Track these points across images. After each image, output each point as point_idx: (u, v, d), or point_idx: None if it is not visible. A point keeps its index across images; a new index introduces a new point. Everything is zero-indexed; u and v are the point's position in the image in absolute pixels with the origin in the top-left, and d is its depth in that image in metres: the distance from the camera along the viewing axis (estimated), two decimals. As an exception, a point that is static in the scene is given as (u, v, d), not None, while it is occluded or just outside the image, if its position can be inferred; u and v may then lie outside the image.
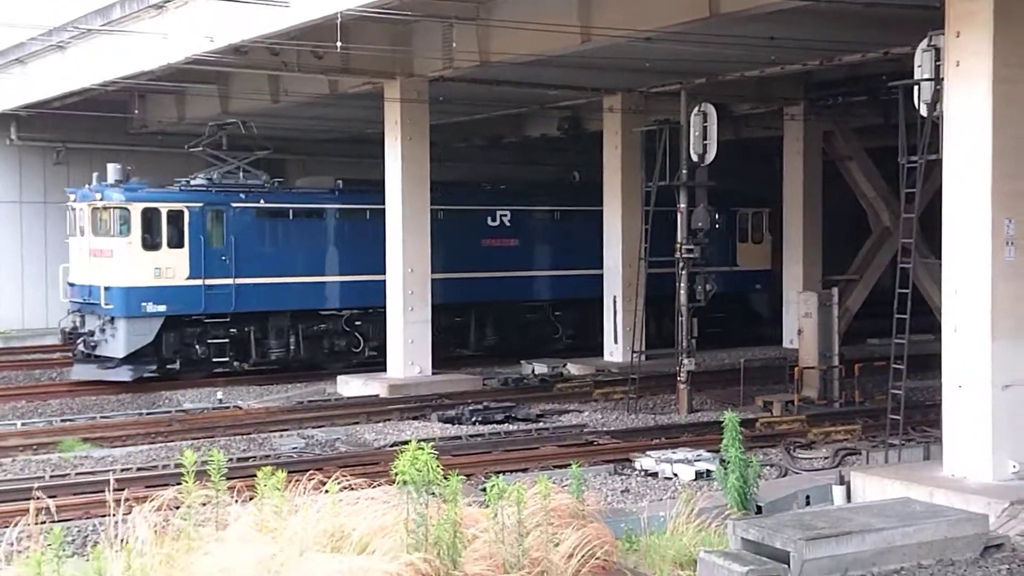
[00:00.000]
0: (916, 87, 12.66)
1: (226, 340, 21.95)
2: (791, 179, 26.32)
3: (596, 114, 24.99)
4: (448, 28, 17.80)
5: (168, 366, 21.66)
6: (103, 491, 10.33)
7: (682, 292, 18.31)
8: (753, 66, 20.65)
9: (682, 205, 18.41)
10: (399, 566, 7.62)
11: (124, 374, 20.79)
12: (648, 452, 14.03)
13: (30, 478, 13.21)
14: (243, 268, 21.98)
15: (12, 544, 8.46)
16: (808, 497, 11.90)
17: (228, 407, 19.14)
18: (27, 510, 8.87)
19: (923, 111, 12.58)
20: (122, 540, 8.15)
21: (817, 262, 26.15)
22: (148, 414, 18.45)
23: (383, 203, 23.04)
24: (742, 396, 18.63)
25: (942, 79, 11.87)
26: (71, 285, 22.10)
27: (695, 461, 13.36)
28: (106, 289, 20.82)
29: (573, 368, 23.07)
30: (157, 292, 21.03)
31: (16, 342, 26.57)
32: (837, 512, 10.31)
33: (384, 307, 22.73)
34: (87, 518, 10.89)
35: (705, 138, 18.02)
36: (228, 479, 8.95)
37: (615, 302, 23.73)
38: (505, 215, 25.29)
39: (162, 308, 21.08)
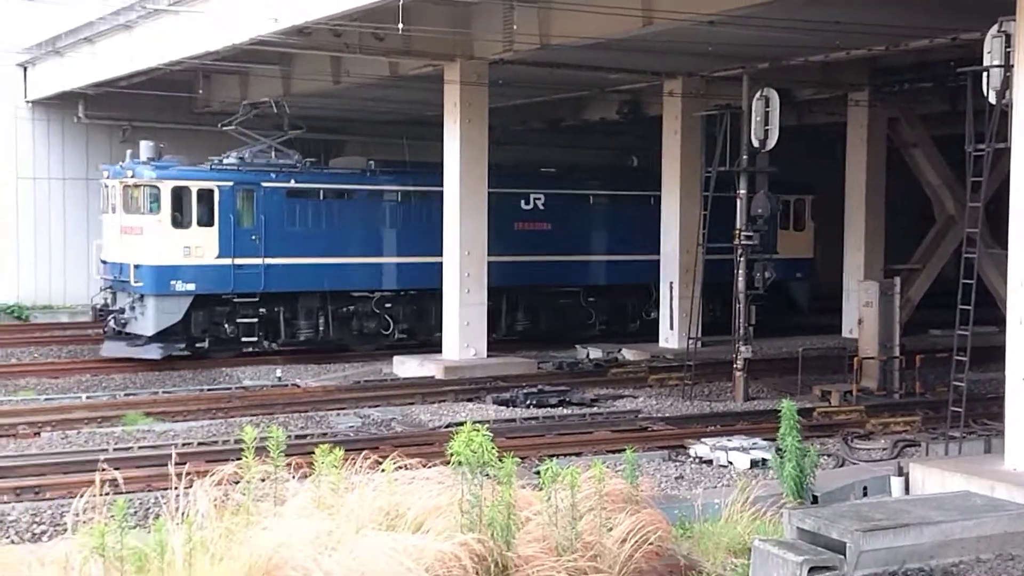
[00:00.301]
0: (985, 74, 12.40)
1: (255, 320, 21.99)
2: (854, 166, 25.94)
3: (656, 98, 24.80)
4: (509, 10, 17.77)
5: (197, 344, 21.73)
6: (165, 464, 10.54)
7: (740, 279, 18.17)
8: (817, 51, 20.34)
9: (742, 191, 18.24)
10: (453, 546, 7.68)
11: (153, 352, 20.92)
12: (703, 439, 13.97)
13: (94, 450, 13.49)
14: (273, 248, 21.94)
15: (78, 515, 8.68)
16: (865, 488, 11.77)
17: (287, 385, 19.38)
18: (92, 482, 9.06)
19: (991, 98, 12.32)
20: (183, 513, 8.32)
21: (879, 251, 25.77)
22: (209, 390, 18.73)
23: (416, 184, 23.65)
24: (799, 385, 18.45)
25: (1012, 66, 11.61)
26: (103, 262, 22.27)
27: (751, 449, 13.29)
28: (136, 267, 20.94)
29: (628, 353, 23.01)
30: (186, 271, 21.10)
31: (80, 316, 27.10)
32: (895, 504, 10.20)
33: (415, 289, 23.37)
34: (149, 491, 11.11)
35: (767, 124, 17.83)
36: (286, 455, 9.07)
37: (672, 288, 23.60)
38: (539, 199, 24.99)
39: (191, 287, 21.11)
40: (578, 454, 13.48)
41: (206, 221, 21.33)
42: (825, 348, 22.19)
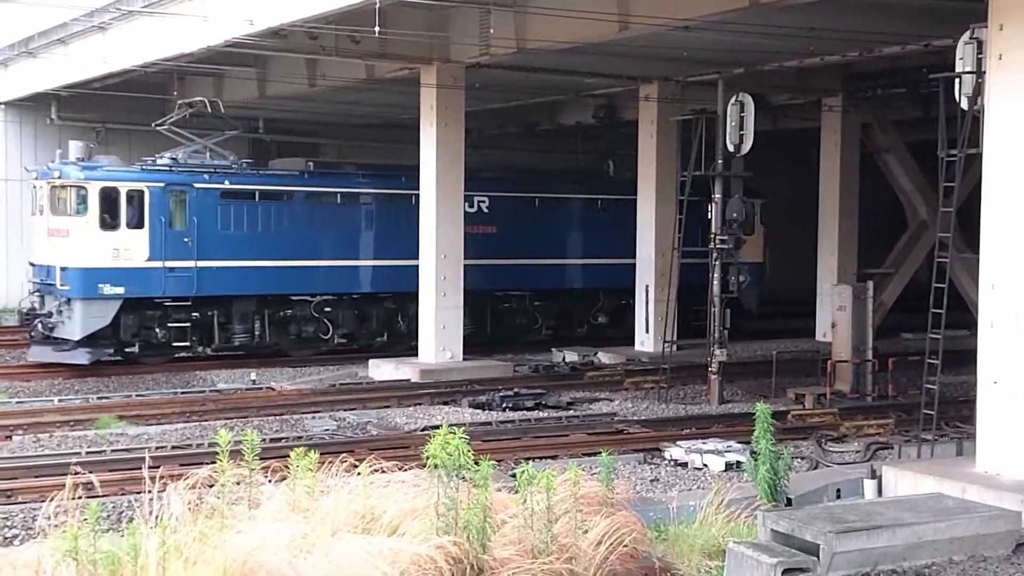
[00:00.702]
0: (957, 80, 12.51)
1: (187, 324, 21.45)
2: (828, 171, 26.11)
3: (632, 102, 24.90)
4: (486, 14, 17.79)
5: (127, 349, 21.18)
6: (138, 468, 10.46)
7: (715, 283, 18.26)
8: (792, 56, 20.51)
9: (717, 195, 18.34)
10: (429, 548, 7.67)
11: (81, 357, 20.36)
12: (678, 442, 14.02)
13: (67, 454, 13.40)
14: (206, 250, 21.41)
15: (49, 519, 8.60)
16: (839, 491, 11.85)
17: (261, 388, 19.31)
18: (64, 485, 8.98)
19: (964, 104, 12.44)
20: (157, 517, 8.26)
21: (853, 255, 25.95)
22: (183, 393, 18.65)
23: (359, 186, 23.46)
24: (774, 388, 18.55)
25: (984, 72, 11.73)
26: (32, 265, 21.78)
27: (725, 452, 13.34)
28: (62, 270, 20.38)
29: (604, 357, 23.05)
30: (115, 274, 20.50)
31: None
32: (868, 506, 10.27)
33: (357, 294, 23.19)
34: (122, 494, 11.05)
35: (742, 128, 17.94)
36: (261, 459, 9.03)
37: (647, 291, 23.67)
38: (484, 201, 24.56)
39: (120, 290, 20.53)
40: (554, 457, 13.50)
41: (136, 223, 20.77)
42: (799, 351, 22.34)
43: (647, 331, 23.67)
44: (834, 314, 18.75)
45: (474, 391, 18.76)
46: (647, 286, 23.71)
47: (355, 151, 29.64)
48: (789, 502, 10.99)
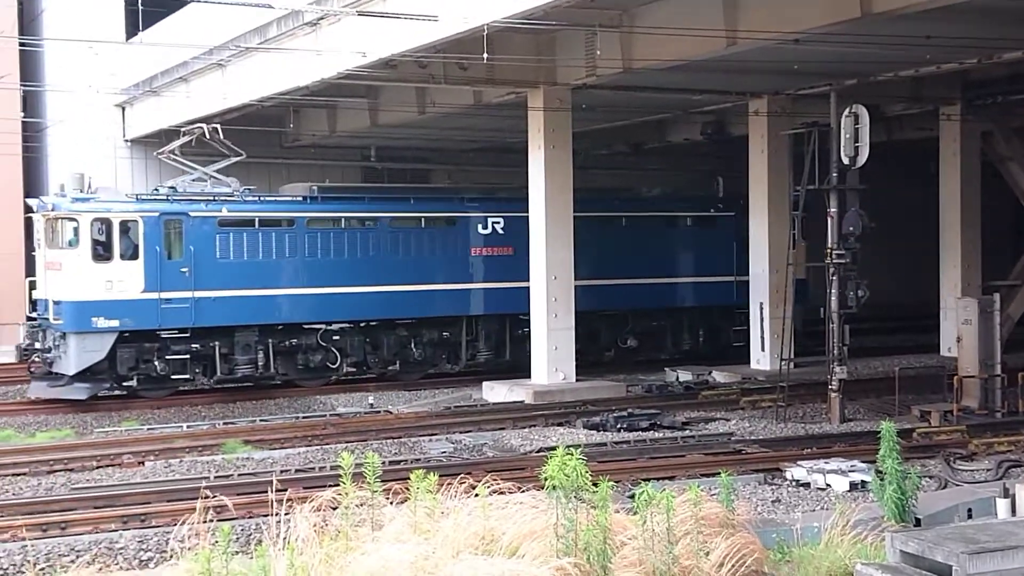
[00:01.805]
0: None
1: (187, 356, 20.89)
2: (948, 181, 25.37)
3: (741, 118, 24.63)
4: (591, 36, 17.84)
5: (125, 383, 20.76)
6: (265, 491, 10.75)
7: (833, 298, 17.87)
8: (907, 66, 19.99)
9: (832, 210, 17.97)
10: (550, 571, 7.68)
11: (79, 392, 20.00)
12: (799, 462, 13.74)
13: (196, 478, 13.78)
14: (204, 280, 20.82)
15: (181, 541, 8.89)
16: (970, 510, 11.43)
17: (379, 411, 19.60)
18: (194, 509, 9.27)
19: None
20: (284, 539, 8.46)
21: (976, 267, 25.11)
22: (304, 418, 19.04)
23: (363, 211, 22.69)
24: (897, 405, 18.05)
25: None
26: (32, 300, 21.57)
27: (849, 472, 13.02)
28: (56, 303, 20.13)
29: (719, 376, 22.77)
30: (109, 306, 20.01)
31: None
32: (1002, 526, 9.87)
33: (365, 321, 22.54)
34: (250, 517, 11.29)
35: (856, 140, 17.56)
36: (382, 481, 9.17)
37: (762, 309, 23.31)
38: (498, 222, 23.67)
39: (114, 323, 20.02)
40: (671, 478, 13.36)
41: (131, 254, 20.32)
42: (923, 367, 21.69)
43: (762, 349, 23.30)
44: (959, 328, 18.16)
45: (588, 412, 18.71)
46: (761, 303, 23.35)
47: (464, 176, 29.95)
48: (918, 522, 10.66)
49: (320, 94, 21.77)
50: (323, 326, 22.17)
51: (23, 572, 9.77)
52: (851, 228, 17.85)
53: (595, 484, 8.41)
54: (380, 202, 23.11)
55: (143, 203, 20.92)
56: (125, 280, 20.23)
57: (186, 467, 15.05)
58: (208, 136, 22.30)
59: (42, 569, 9.32)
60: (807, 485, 13.10)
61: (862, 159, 17.63)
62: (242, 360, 21.52)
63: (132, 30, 27.09)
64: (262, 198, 22.74)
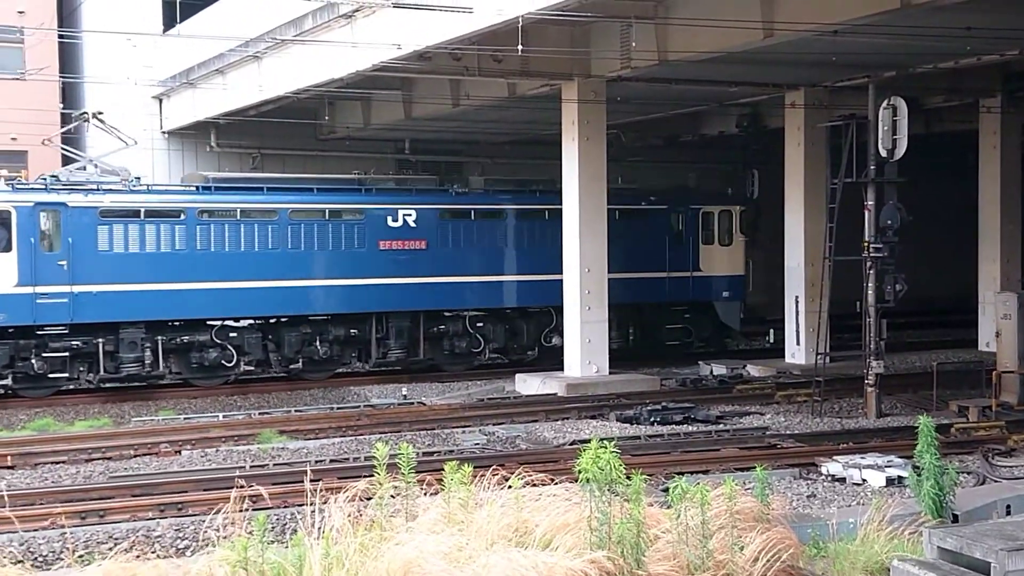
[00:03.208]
0: None
1: (66, 354, 19.84)
2: (987, 174, 25.08)
3: (777, 110, 24.46)
4: (627, 28, 17.76)
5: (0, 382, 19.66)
6: (300, 481, 10.81)
7: (870, 292, 17.72)
8: (946, 57, 19.79)
9: (870, 203, 17.81)
10: (583, 563, 7.66)
11: None
12: (835, 457, 13.63)
13: (232, 467, 13.91)
14: (83, 274, 19.69)
15: (217, 530, 8.96)
16: (1009, 506, 11.28)
17: (412, 403, 19.67)
18: (229, 498, 9.34)
19: None
20: (319, 528, 8.50)
21: (1016, 261, 24.82)
22: (338, 408, 19.15)
23: (260, 202, 21.63)
24: (935, 400, 17.87)
25: None
26: None
27: (886, 467, 12.90)
28: None
29: (753, 370, 22.65)
30: None
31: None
32: (1041, 523, 9.74)
33: (263, 318, 21.66)
34: (285, 507, 11.37)
35: (895, 133, 17.38)
36: (416, 472, 9.19)
37: (797, 303, 23.15)
38: (409, 215, 22.73)
39: None
40: (705, 472, 13.30)
41: (3, 246, 19.28)
42: (960, 362, 21.45)
43: (797, 343, 23.15)
44: (998, 323, 17.92)
45: (621, 405, 18.69)
46: (796, 297, 23.19)
47: (498, 168, 29.91)
48: (955, 518, 10.54)
49: (355, 86, 21.84)
50: (218, 323, 21.21)
51: (62, 559, 9.89)
52: (889, 222, 17.68)
53: (628, 477, 8.38)
54: (279, 193, 22.09)
55: (17, 192, 19.75)
56: None
57: (222, 456, 15.17)
58: (88, 123, 21.52)
59: (81, 556, 9.43)
60: (843, 480, 13.00)
61: (900, 152, 17.44)
62: (128, 358, 20.40)
63: (169, 22, 27.34)
64: (151, 188, 21.81)
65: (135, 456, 15.16)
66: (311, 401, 20.46)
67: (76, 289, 19.66)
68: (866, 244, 17.75)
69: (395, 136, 29.37)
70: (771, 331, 26.23)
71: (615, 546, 7.98)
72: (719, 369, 22.83)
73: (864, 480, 12.80)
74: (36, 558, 10.15)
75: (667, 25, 17.60)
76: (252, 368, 21.81)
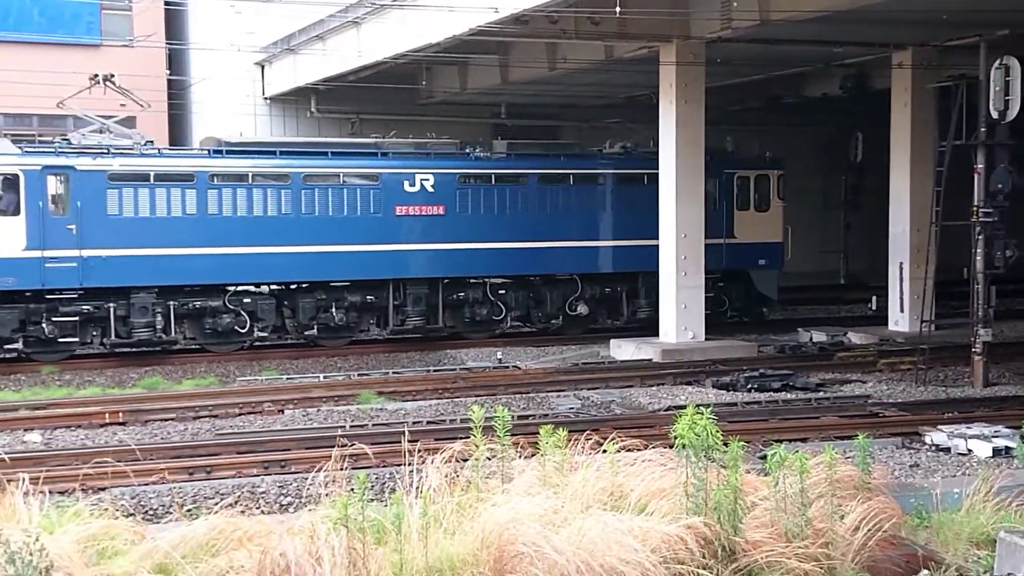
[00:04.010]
0: None
1: (76, 318, 19.63)
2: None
3: (883, 70, 23.71)
4: (728, -13, 17.42)
5: (6, 346, 19.59)
6: (398, 441, 10.96)
7: (979, 258, 17.18)
8: (1064, 13, 18.89)
9: (980, 166, 17.22)
10: (679, 528, 7.62)
11: None
12: (939, 426, 13.32)
13: (333, 427, 14.17)
14: (92, 238, 19.39)
15: (319, 487, 9.16)
16: (1123, 481, 10.89)
17: (507, 367, 19.77)
18: (330, 456, 9.52)
19: None
20: (417, 488, 8.63)
21: None
22: (435, 371, 19.36)
23: (273, 166, 21.09)
24: (1046, 370, 17.31)
25: None
26: None
27: (993, 437, 12.56)
28: None
29: (855, 337, 22.21)
30: None
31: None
32: None
33: (281, 283, 21.31)
34: (383, 466, 11.53)
35: (1007, 94, 16.80)
36: (511, 435, 9.25)
37: (901, 269, 22.56)
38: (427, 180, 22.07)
39: None
40: (804, 440, 13.12)
41: (12, 210, 19.02)
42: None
43: (901, 310, 22.59)
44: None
45: (718, 371, 18.51)
46: (901, 263, 22.60)
47: (594, 132, 29.72)
48: (1066, 492, 10.21)
49: (452, 51, 21.85)
50: (231, 288, 20.89)
51: (170, 512, 10.22)
52: (1000, 185, 17.10)
53: (725, 444, 8.30)
54: (292, 156, 21.52)
55: (26, 156, 19.43)
56: (5, 237, 19.00)
57: (323, 416, 15.46)
58: (103, 84, 21.17)
59: (188, 510, 9.72)
60: (947, 450, 12.71)
61: (1013, 113, 16.89)
62: (140, 323, 20.14)
63: (271, -10, 27.70)
64: (161, 151, 21.36)
65: (240, 414, 15.51)
66: (408, 364, 20.72)
67: (85, 253, 19.45)
68: (975, 209, 17.20)
69: (491, 100, 29.38)
70: (874, 298, 25.62)
71: (711, 512, 7.92)
72: (819, 336, 22.44)
73: (970, 450, 12.50)
74: (146, 511, 10.50)
75: (770, -16, 17.20)
76: (265, 335, 21.50)
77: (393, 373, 19.25)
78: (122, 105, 23.30)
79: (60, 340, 19.74)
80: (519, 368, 19.57)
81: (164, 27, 29.10)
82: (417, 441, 10.48)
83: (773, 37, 20.29)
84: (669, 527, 7.67)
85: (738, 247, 23.63)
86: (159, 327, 20.37)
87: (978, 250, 17.22)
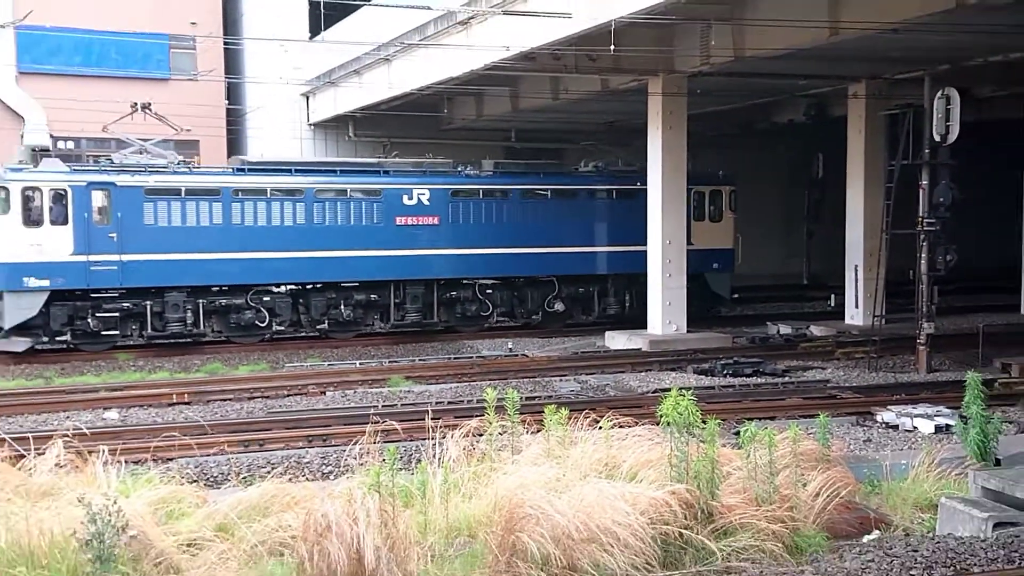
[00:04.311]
0: None
1: (117, 314, 19.90)
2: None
3: (841, 100, 23.60)
4: (706, 28, 17.37)
5: (59, 338, 19.84)
6: (422, 419, 11.00)
7: (923, 262, 17.11)
8: (997, 52, 18.81)
9: (924, 182, 17.15)
10: (665, 493, 7.62)
11: (17, 345, 19.36)
12: (889, 407, 13.27)
13: (367, 406, 14.21)
14: (131, 245, 19.73)
15: (355, 458, 9.19)
16: (1047, 453, 10.84)
17: (517, 355, 19.75)
18: (365, 432, 9.54)
19: None
20: (439, 459, 8.65)
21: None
22: (455, 359, 19.35)
23: (287, 182, 21.13)
24: (980, 358, 17.20)
25: None
26: None
27: (935, 416, 12.51)
28: None
29: (816, 330, 22.10)
30: (39, 267, 19.16)
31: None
32: (1078, 469, 9.33)
33: (296, 284, 21.30)
34: (410, 440, 11.51)
35: (948, 120, 16.68)
36: (520, 413, 9.26)
37: (856, 271, 22.48)
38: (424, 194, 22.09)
39: (45, 283, 19.20)
40: (772, 418, 13.06)
41: (61, 220, 19.35)
42: (1004, 325, 20.59)
43: (856, 306, 22.51)
44: (1041, 290, 17.13)
45: (698, 359, 18.45)
46: (856, 266, 22.51)
47: (599, 153, 29.67)
48: (998, 462, 10.17)
49: (469, 83, 21.85)
50: (254, 288, 20.98)
51: (228, 480, 10.26)
52: (941, 199, 17.02)
53: (704, 422, 8.29)
54: (305, 173, 21.66)
55: (73, 174, 19.75)
56: (55, 244, 19.33)
57: (359, 397, 15.47)
58: (148, 113, 21.49)
59: (243, 478, 9.76)
60: (896, 427, 12.65)
61: (953, 137, 16.75)
62: (173, 318, 20.38)
63: (315, 30, 27.74)
64: (192, 169, 21.36)
65: (288, 395, 15.55)
66: (432, 352, 20.72)
67: (124, 258, 19.74)
68: (920, 219, 17.12)
69: (503, 126, 29.37)
70: (832, 296, 25.53)
71: (692, 480, 7.92)
72: (785, 329, 22.35)
73: (915, 428, 12.44)
74: (208, 479, 10.54)
75: (742, 25, 17.14)
76: (282, 328, 21.58)
77: (419, 360, 19.26)
78: (187, 130, 23.41)
79: (103, 333, 20.00)
80: (527, 356, 19.55)
81: (223, 63, 29.16)
82: (439, 418, 10.52)
83: (746, 71, 20.20)
84: (656, 493, 7.67)
85: (694, 252, 23.39)
86: (189, 322, 20.58)
87: (922, 255, 17.14)
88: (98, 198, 19.73)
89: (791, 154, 32.56)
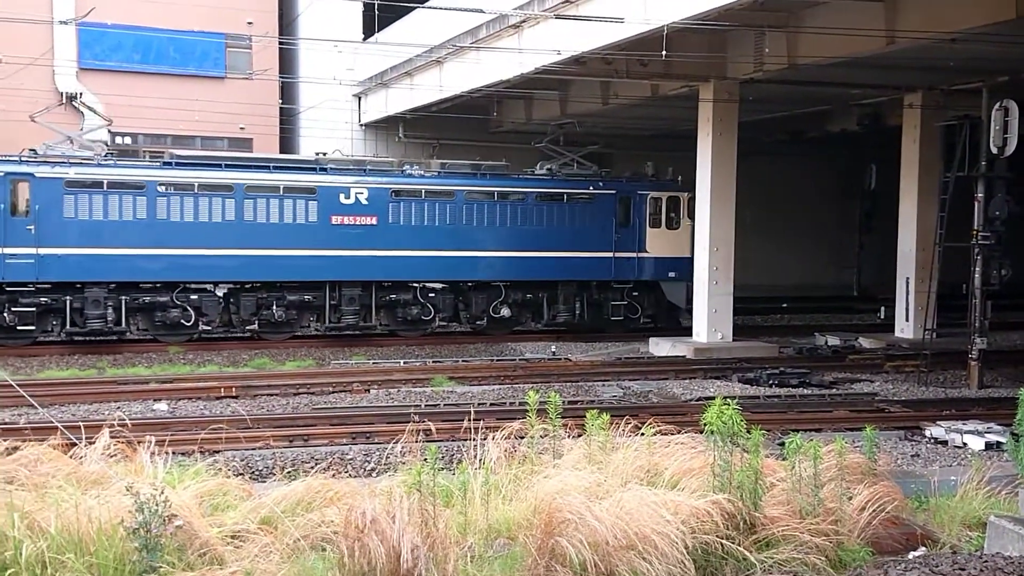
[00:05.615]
0: None
1: (33, 308, 19.27)
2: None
3: (896, 110, 23.23)
4: (760, 35, 17.19)
5: None
6: (464, 419, 11.02)
7: (977, 276, 16.76)
8: (1059, 62, 18.36)
9: (980, 195, 16.80)
10: (706, 503, 7.54)
11: None
12: (938, 422, 13.01)
13: (410, 405, 14.27)
14: (49, 238, 19.02)
15: (398, 456, 9.22)
16: (1102, 476, 10.52)
17: (560, 359, 19.72)
18: (407, 430, 9.57)
19: None
20: (480, 460, 8.65)
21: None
22: (498, 360, 19.36)
23: (215, 177, 20.35)
24: (1034, 376, 16.81)
25: None
26: None
27: (985, 433, 12.24)
28: None
29: (865, 342, 21.77)
30: None
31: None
32: None
33: (218, 283, 20.63)
34: (452, 440, 11.55)
35: (1006, 132, 16.35)
36: (562, 417, 9.23)
37: (908, 283, 22.10)
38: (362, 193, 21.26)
39: None
40: (818, 430, 12.89)
41: None
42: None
43: (906, 319, 22.12)
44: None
45: (743, 368, 18.26)
46: (907, 278, 22.13)
47: (644, 159, 29.53)
48: (1051, 483, 9.90)
49: (519, 87, 21.86)
50: (181, 285, 20.34)
51: (273, 474, 10.37)
52: (997, 212, 16.67)
53: (748, 431, 8.19)
54: (235, 169, 20.77)
55: None
56: None
57: (402, 396, 15.54)
58: (84, 108, 20.94)
59: (288, 472, 9.84)
60: (945, 443, 12.40)
61: (1010, 149, 16.44)
62: (93, 314, 19.67)
63: (368, 32, 27.98)
64: (117, 162, 20.27)
65: (333, 392, 15.67)
66: (475, 353, 20.76)
67: (42, 251, 19.07)
68: (975, 232, 16.79)
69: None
70: (882, 308, 25.11)
71: (735, 490, 7.82)
72: (833, 340, 22.04)
73: (965, 444, 12.19)
74: (253, 472, 10.65)
75: (797, 33, 16.96)
76: (208, 328, 20.88)
77: (462, 361, 19.30)
78: (241, 128, 23.73)
79: (19, 328, 19.39)
80: (570, 360, 19.51)
81: (278, 63, 29.55)
82: (481, 420, 10.52)
83: (800, 79, 19.99)
84: (697, 502, 7.59)
85: (649, 260, 23.06)
86: (110, 319, 19.94)
87: (976, 269, 16.81)
88: (16, 189, 19.13)
89: (843, 164, 32.12)
